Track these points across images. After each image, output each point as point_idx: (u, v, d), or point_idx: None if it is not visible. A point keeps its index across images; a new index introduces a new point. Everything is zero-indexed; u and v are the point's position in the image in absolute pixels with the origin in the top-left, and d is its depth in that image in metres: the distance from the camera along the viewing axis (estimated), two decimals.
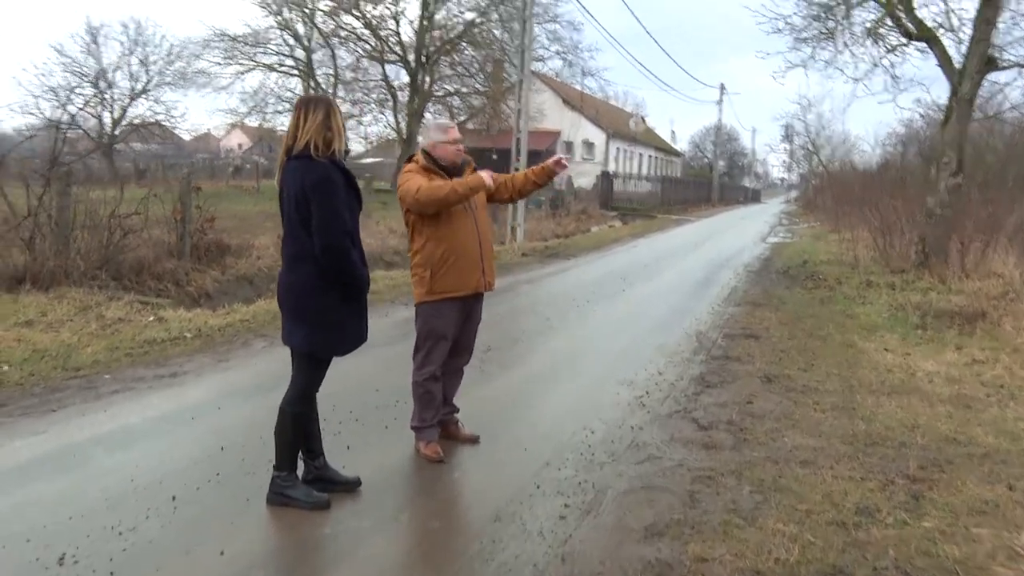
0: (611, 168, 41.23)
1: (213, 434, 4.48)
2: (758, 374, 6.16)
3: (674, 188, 46.12)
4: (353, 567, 3.09)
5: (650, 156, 54.18)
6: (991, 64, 12.02)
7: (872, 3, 13.52)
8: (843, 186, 25.87)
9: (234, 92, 46.28)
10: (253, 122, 31.97)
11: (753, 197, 71.82)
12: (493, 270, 4.39)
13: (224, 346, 6.71)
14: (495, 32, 28.03)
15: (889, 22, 13.45)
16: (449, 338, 4.24)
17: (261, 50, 28.89)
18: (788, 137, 55.76)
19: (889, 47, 13.83)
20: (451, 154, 4.18)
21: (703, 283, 11.95)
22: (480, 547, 3.26)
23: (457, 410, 4.57)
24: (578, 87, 34.00)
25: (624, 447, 4.49)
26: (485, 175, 4.08)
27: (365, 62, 29.40)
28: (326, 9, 28.12)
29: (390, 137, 31.67)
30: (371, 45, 28.65)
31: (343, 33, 28.64)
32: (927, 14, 13.78)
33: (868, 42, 13.96)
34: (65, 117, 25.82)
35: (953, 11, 12.77)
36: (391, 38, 28.39)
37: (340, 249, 3.33)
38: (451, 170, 4.17)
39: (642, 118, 52.74)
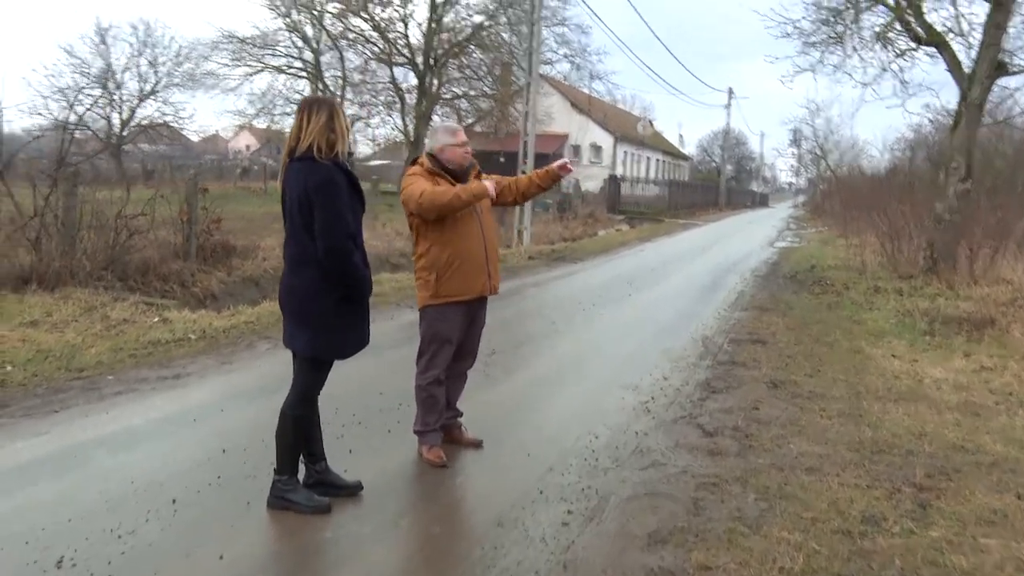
0: (618, 172, 41.15)
1: (215, 436, 4.46)
2: (764, 380, 6.12)
3: (682, 192, 45.99)
4: (354, 572, 3.07)
5: (658, 160, 54.11)
6: (1001, 69, 11.96)
7: (881, 8, 13.49)
8: (851, 191, 25.79)
9: (242, 94, 46.33)
10: (261, 124, 32.11)
11: (761, 201, 71.70)
12: (498, 274, 4.37)
13: (228, 348, 6.71)
14: (503, 35, 28.06)
15: (898, 26, 13.43)
16: (453, 342, 4.22)
17: (269, 52, 29.01)
18: (796, 141, 55.70)
19: (898, 52, 13.83)
20: (459, 157, 4.17)
21: (710, 287, 11.91)
22: (482, 553, 3.24)
23: (460, 414, 4.56)
24: (586, 90, 33.93)
25: (628, 453, 4.46)
26: (489, 184, 4.04)
27: (373, 64, 29.50)
28: (335, 11, 28.23)
29: (397, 139, 31.69)
30: (379, 47, 28.70)
31: (351, 35, 28.70)
32: (937, 19, 13.78)
33: (877, 46, 13.97)
34: (73, 118, 25.86)
35: (963, 16, 12.79)
36: (399, 41, 28.48)
37: (343, 251, 3.31)
38: (456, 173, 4.16)
39: (650, 122, 52.69)
